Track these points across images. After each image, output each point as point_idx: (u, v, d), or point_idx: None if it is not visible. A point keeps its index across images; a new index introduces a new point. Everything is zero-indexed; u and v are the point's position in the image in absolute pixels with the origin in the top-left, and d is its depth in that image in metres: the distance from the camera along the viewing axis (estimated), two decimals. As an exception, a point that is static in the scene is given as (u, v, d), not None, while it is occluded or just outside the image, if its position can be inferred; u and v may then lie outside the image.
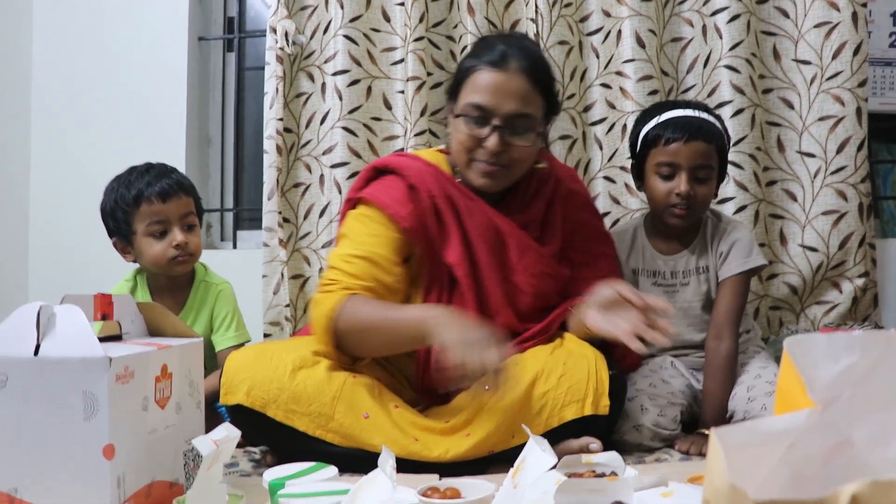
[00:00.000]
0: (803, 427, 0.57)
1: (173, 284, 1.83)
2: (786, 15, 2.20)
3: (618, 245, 1.85)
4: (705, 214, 1.81)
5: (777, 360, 1.95)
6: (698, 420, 1.67)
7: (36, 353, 1.05)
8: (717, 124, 1.74)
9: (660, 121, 1.73)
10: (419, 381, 1.59)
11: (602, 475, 1.13)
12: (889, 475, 0.48)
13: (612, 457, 1.19)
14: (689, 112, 1.73)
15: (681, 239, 1.81)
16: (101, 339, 1.16)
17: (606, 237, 1.77)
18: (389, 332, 1.44)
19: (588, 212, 1.75)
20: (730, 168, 2.12)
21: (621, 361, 1.61)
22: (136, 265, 1.85)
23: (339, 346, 1.48)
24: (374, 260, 1.51)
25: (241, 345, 1.83)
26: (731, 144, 2.10)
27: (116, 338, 1.24)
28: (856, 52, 2.13)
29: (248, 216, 2.64)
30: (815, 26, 2.16)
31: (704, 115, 1.74)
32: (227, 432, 1.04)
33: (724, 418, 1.62)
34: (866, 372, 0.59)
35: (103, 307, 1.21)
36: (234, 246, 2.58)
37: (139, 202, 1.72)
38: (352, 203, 1.62)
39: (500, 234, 1.59)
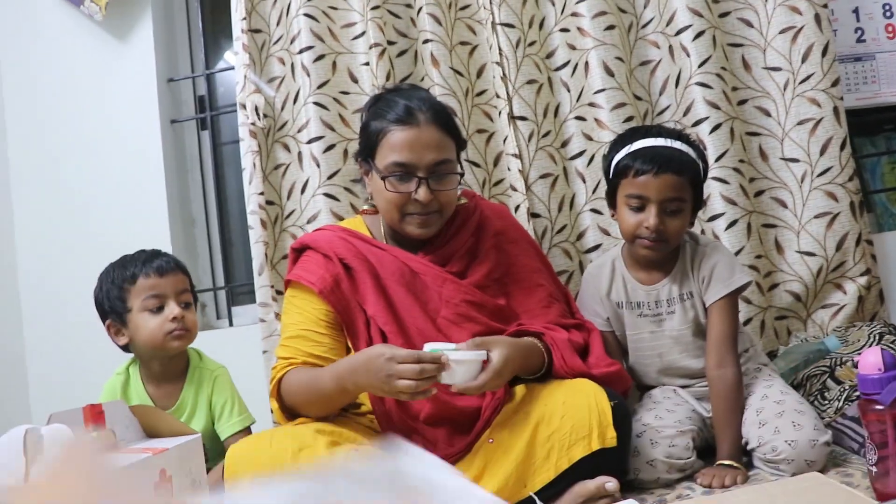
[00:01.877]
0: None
1: (168, 372, 1.80)
2: (749, 25, 2.20)
3: (596, 281, 1.82)
4: (682, 239, 1.76)
5: (790, 370, 1.92)
6: (711, 446, 1.63)
7: (26, 480, 1.02)
8: (691, 153, 1.69)
9: (630, 150, 1.69)
10: (386, 420, 1.61)
11: (623, 526, 1.10)
12: None
13: (631, 505, 1.16)
14: (660, 142, 1.68)
15: (660, 267, 1.76)
16: (95, 452, 1.13)
17: (541, 270, 1.77)
18: (321, 395, 1.52)
19: (518, 247, 1.75)
20: (716, 184, 2.12)
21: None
22: (130, 356, 1.82)
23: (292, 416, 1.58)
24: (302, 336, 1.62)
25: (248, 428, 1.80)
26: (715, 160, 2.10)
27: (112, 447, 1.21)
28: (824, 52, 2.12)
29: (241, 290, 2.62)
30: (781, 32, 2.16)
31: (677, 145, 1.69)
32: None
33: (740, 445, 1.58)
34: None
35: (94, 417, 1.18)
36: (231, 323, 2.56)
37: (135, 278, 1.74)
38: (285, 286, 1.74)
39: (416, 275, 1.65)
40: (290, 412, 1.58)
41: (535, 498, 1.08)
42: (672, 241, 1.69)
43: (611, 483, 1.39)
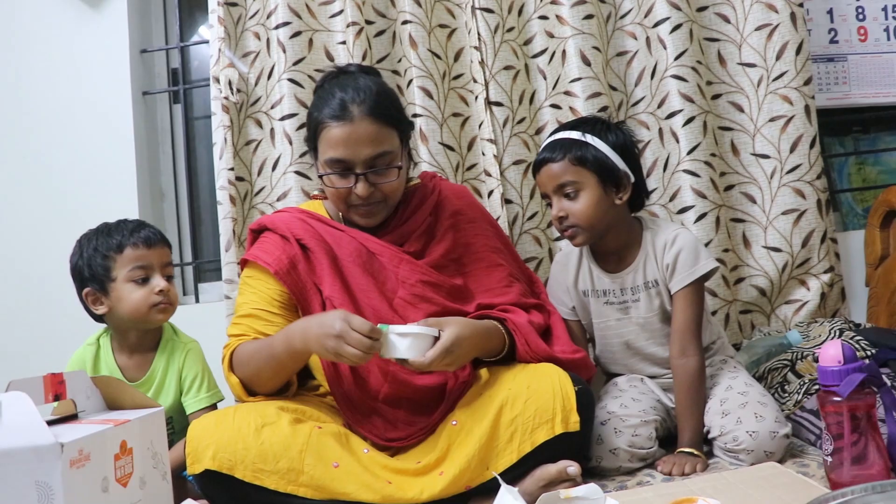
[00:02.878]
0: None
1: (142, 343, 1.77)
2: (727, 20, 2.22)
3: (563, 270, 1.83)
4: (643, 223, 1.76)
5: (752, 363, 1.95)
6: (673, 436, 1.65)
7: (-18, 446, 1.01)
8: (575, 134, 1.68)
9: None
10: (346, 400, 1.61)
11: (583, 510, 1.11)
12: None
13: (592, 489, 1.16)
14: (549, 140, 1.73)
15: (624, 256, 1.75)
16: (57, 421, 1.12)
17: (501, 250, 1.77)
18: (270, 359, 1.51)
19: (477, 226, 1.75)
20: (687, 176, 2.14)
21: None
22: (103, 326, 1.80)
23: (251, 392, 1.58)
24: (255, 315, 1.62)
25: (214, 405, 1.78)
26: (687, 153, 2.12)
27: (72, 417, 1.19)
28: (798, 51, 2.15)
29: (208, 268, 2.60)
30: (756, 29, 2.18)
31: (561, 135, 1.71)
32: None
33: (701, 434, 1.60)
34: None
35: (55, 387, 1.17)
36: (197, 299, 2.53)
37: (122, 247, 1.70)
38: (241, 266, 1.74)
39: (373, 255, 1.65)
40: (248, 388, 1.58)
41: (499, 478, 1.09)
42: (584, 224, 1.66)
43: (572, 467, 1.40)
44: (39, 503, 0.99)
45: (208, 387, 1.78)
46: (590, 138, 1.67)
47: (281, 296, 1.63)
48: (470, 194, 1.86)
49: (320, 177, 1.63)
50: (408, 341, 1.40)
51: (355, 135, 1.55)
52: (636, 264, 1.73)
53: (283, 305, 1.63)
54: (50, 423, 1.05)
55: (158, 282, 1.71)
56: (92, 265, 1.71)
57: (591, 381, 1.67)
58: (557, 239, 2.20)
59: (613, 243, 1.74)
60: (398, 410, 1.57)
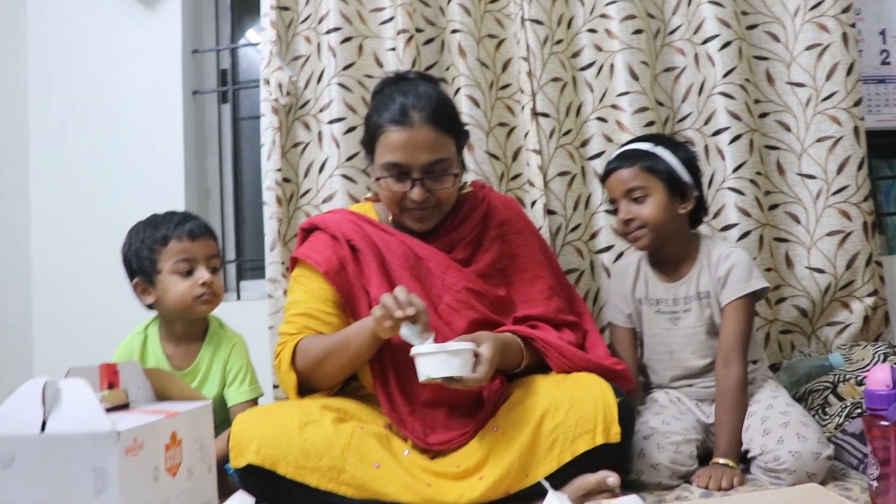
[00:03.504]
0: None
1: (189, 333, 1.81)
2: (776, 39, 2.21)
3: (622, 278, 1.89)
4: (700, 238, 1.83)
5: (792, 384, 1.93)
6: (711, 454, 1.64)
7: (42, 429, 1.04)
8: (646, 146, 1.78)
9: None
10: (388, 400, 1.61)
11: (624, 521, 1.11)
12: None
13: (632, 500, 1.17)
14: (620, 150, 1.84)
15: (680, 266, 1.81)
16: (109, 410, 1.14)
17: (544, 263, 1.78)
18: (342, 350, 1.55)
19: (522, 237, 1.77)
20: (732, 194, 2.13)
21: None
22: (153, 313, 1.83)
23: (305, 386, 1.61)
24: (310, 314, 1.64)
25: (255, 400, 1.81)
26: (732, 171, 2.12)
27: (124, 406, 1.22)
28: (849, 71, 2.13)
29: (250, 266, 2.64)
30: (807, 48, 2.16)
31: (632, 146, 1.82)
32: (241, 500, 1.03)
33: (738, 445, 1.60)
34: None
35: (109, 376, 1.20)
36: (238, 297, 2.57)
37: (167, 240, 1.73)
38: (291, 264, 1.77)
39: (421, 260, 1.67)
40: (304, 384, 1.60)
41: (546, 484, 1.09)
42: (651, 228, 1.74)
43: (612, 478, 1.40)
44: (95, 488, 1.02)
45: (251, 381, 1.82)
46: (660, 150, 1.77)
47: (333, 295, 1.65)
48: (518, 206, 1.89)
49: (377, 179, 1.65)
50: (459, 359, 1.39)
51: (414, 140, 1.57)
52: (690, 275, 1.79)
53: (337, 305, 1.66)
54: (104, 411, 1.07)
55: (202, 274, 1.73)
56: (139, 256, 1.76)
57: (631, 395, 1.67)
58: (600, 252, 2.20)
59: (672, 252, 1.81)
60: (437, 412, 1.58)
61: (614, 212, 1.81)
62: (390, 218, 1.74)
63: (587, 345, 1.71)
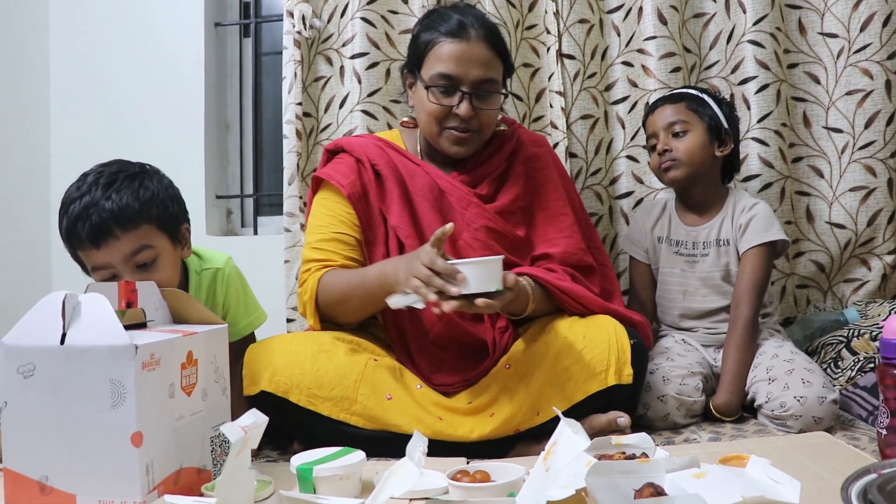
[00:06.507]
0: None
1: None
2: (811, -13, 2.16)
3: (645, 214, 1.96)
4: (729, 191, 1.87)
5: (806, 338, 1.93)
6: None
7: (62, 342, 1.05)
8: (694, 91, 1.87)
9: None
10: (399, 337, 1.61)
11: (632, 456, 1.12)
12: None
13: (642, 438, 1.17)
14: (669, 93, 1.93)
15: (704, 212, 1.87)
16: (127, 328, 1.15)
17: (569, 201, 1.75)
18: (361, 293, 1.51)
19: (548, 173, 1.75)
20: (755, 145, 2.10)
21: None
22: None
23: (324, 320, 1.59)
24: (339, 239, 1.62)
25: (252, 334, 1.70)
26: (757, 121, 2.09)
27: (141, 325, 1.24)
28: (885, 22, 2.07)
29: (268, 201, 2.64)
30: (842, -2, 2.11)
31: (681, 90, 1.92)
32: (255, 419, 1.04)
33: (741, 383, 1.66)
34: None
35: (128, 295, 1.21)
36: (255, 232, 2.58)
37: (75, 247, 1.40)
38: (313, 185, 1.74)
39: (443, 193, 1.65)
40: (326, 317, 1.59)
41: (557, 411, 1.10)
42: (686, 161, 1.80)
43: (622, 418, 1.41)
44: (112, 400, 1.03)
45: (246, 312, 1.67)
46: (706, 96, 1.85)
47: (356, 219, 1.64)
48: (548, 143, 1.86)
49: (426, 88, 1.59)
50: (481, 269, 1.33)
51: (469, 53, 1.57)
52: (713, 222, 1.84)
53: (359, 229, 1.64)
54: (123, 327, 1.08)
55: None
56: (74, 255, 1.44)
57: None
58: (619, 197, 2.18)
59: (699, 198, 1.87)
60: (446, 352, 1.58)
61: (652, 148, 1.86)
62: (419, 147, 1.73)
63: (607, 294, 1.69)
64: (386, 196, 1.64)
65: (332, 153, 1.74)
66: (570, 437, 0.98)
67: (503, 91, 1.64)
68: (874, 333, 1.81)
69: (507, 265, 1.58)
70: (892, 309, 1.91)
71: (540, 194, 1.72)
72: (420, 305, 1.37)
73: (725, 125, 1.83)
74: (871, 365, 1.71)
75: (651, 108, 1.89)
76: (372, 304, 1.54)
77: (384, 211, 1.64)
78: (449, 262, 1.33)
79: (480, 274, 1.32)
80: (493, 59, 1.60)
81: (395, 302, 1.40)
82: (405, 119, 1.80)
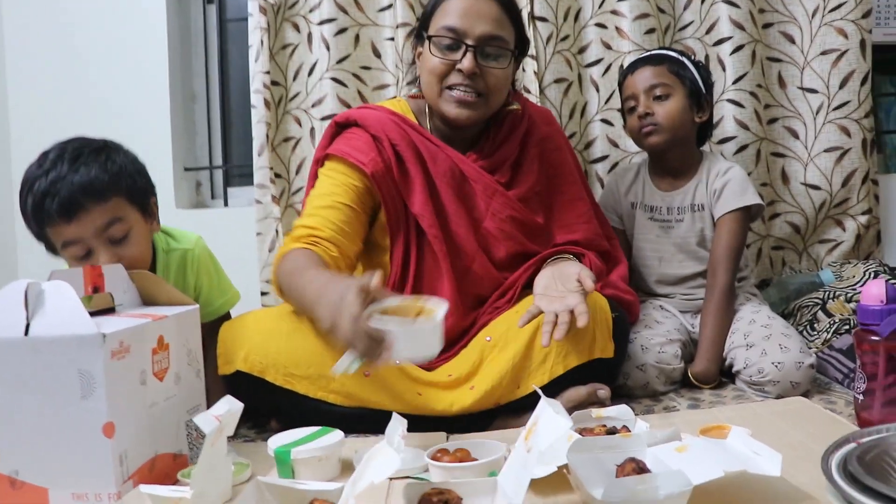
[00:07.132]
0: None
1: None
2: (784, -55, 2.13)
3: (619, 179, 1.94)
4: (703, 154, 1.86)
5: (782, 300, 1.94)
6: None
7: (26, 332, 1.02)
8: (674, 54, 1.83)
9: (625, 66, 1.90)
10: None
11: (613, 430, 1.12)
12: None
13: (623, 410, 1.17)
14: (647, 54, 1.87)
15: (679, 177, 1.86)
16: (94, 313, 1.12)
17: (580, 184, 1.72)
18: (298, 302, 1.35)
19: (562, 155, 1.69)
20: (730, 107, 2.09)
21: None
22: None
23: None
24: (335, 207, 1.49)
25: (228, 314, 1.67)
26: (732, 83, 2.08)
27: (109, 310, 1.20)
28: (859, -20, 2.06)
29: (238, 172, 2.58)
30: (816, -45, 2.09)
31: (661, 51, 1.86)
32: (229, 406, 1.02)
33: (719, 349, 1.66)
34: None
35: (94, 279, 1.17)
36: (226, 203, 2.53)
37: (41, 222, 1.32)
38: (320, 161, 1.59)
39: (466, 179, 1.57)
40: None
41: (537, 389, 1.09)
42: (667, 125, 1.77)
43: (603, 391, 1.40)
44: (82, 391, 1.01)
45: (221, 293, 1.63)
46: (686, 60, 1.82)
47: (366, 196, 1.52)
48: (555, 119, 1.79)
49: (430, 41, 1.51)
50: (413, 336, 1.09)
51: (476, 7, 1.48)
52: (688, 187, 1.83)
53: (364, 207, 1.53)
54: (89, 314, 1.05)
55: (99, 257, 1.32)
56: (30, 226, 1.36)
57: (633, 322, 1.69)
58: (594, 161, 2.17)
59: (675, 163, 1.84)
60: None
61: (630, 110, 1.82)
62: (429, 125, 1.61)
63: (612, 272, 1.69)
64: (408, 180, 1.53)
65: (342, 127, 1.60)
66: (551, 417, 0.97)
67: (511, 49, 1.52)
68: (849, 295, 1.82)
69: (529, 256, 1.58)
70: (867, 270, 1.91)
71: (555, 177, 1.67)
72: (357, 365, 1.09)
73: (703, 90, 1.80)
74: (847, 327, 1.72)
75: (630, 69, 1.84)
76: (305, 314, 1.40)
77: (405, 197, 1.53)
78: (375, 320, 1.06)
79: (412, 341, 1.08)
80: (503, 18, 1.50)
81: (339, 369, 1.10)
82: (414, 92, 1.68)
